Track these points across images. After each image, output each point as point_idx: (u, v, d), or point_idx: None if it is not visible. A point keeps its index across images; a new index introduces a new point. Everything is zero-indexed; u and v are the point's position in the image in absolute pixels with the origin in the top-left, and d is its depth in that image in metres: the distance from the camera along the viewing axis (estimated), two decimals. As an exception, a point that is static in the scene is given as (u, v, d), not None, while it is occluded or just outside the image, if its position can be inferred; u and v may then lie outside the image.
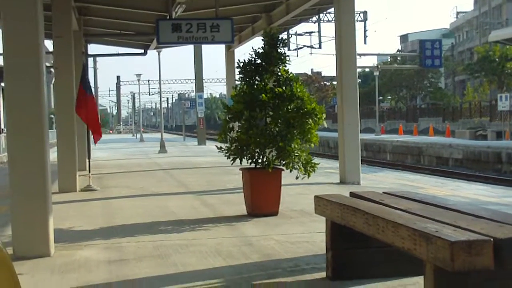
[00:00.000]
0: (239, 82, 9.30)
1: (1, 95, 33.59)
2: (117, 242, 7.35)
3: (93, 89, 14.61)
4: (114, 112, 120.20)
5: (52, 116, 34.21)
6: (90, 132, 13.47)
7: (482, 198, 10.84)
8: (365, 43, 50.47)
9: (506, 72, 47.06)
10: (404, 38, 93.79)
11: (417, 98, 70.78)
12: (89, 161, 14.16)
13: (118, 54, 29.30)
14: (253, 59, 9.20)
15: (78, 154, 13.75)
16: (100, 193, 12.66)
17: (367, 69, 67.36)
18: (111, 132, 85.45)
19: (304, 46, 48.74)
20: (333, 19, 17.36)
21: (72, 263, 6.40)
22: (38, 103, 6.65)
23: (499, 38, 25.36)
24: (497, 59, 47.14)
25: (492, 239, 3.60)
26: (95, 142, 13.58)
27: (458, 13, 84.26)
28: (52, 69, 28.14)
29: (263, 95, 8.82)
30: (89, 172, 13.64)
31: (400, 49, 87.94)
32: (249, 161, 9.03)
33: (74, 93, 13.38)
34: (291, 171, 8.88)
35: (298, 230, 7.82)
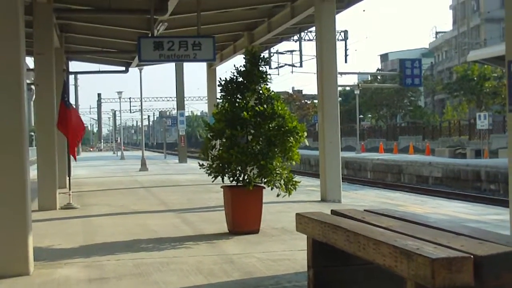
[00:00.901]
0: (221, 100, 9.32)
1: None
2: (97, 261, 7.30)
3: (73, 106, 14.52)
4: (95, 129, 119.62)
5: (32, 133, 33.99)
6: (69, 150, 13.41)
7: (462, 216, 10.91)
8: (345, 62, 50.76)
9: (484, 91, 47.59)
10: (384, 57, 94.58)
11: (397, 116, 71.24)
12: (69, 179, 14.07)
13: (99, 72, 29.25)
14: (234, 77, 9.23)
15: (58, 171, 13.65)
16: (80, 211, 12.57)
17: (348, 88, 67.73)
18: (91, 149, 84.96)
19: (286, 64, 49.07)
20: (314, 38, 17.50)
21: (52, 282, 6.34)
22: (18, 120, 6.61)
23: (477, 58, 25.64)
24: (475, 79, 47.67)
25: (472, 256, 3.63)
26: (75, 158, 13.54)
27: (437, 33, 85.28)
28: (32, 86, 28.03)
29: (244, 113, 8.84)
30: (69, 189, 13.55)
31: (380, 68, 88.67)
32: (231, 179, 9.03)
33: (55, 110, 13.32)
34: (272, 189, 8.89)
35: (279, 248, 7.81)
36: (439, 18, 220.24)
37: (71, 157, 13.71)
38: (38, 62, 13.26)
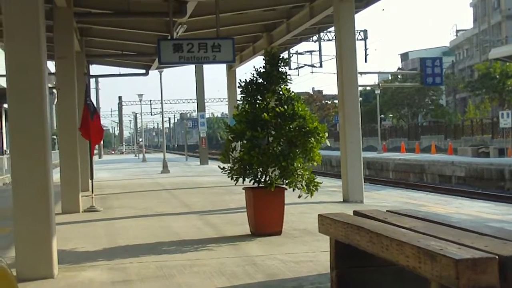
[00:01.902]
0: (241, 102, 9.32)
1: (5, 116, 33.69)
2: (120, 263, 7.33)
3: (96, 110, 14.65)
4: (117, 132, 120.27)
5: (55, 137, 34.28)
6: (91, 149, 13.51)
7: (485, 216, 10.81)
8: (365, 61, 50.71)
9: (507, 89, 47.14)
10: (404, 56, 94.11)
11: (418, 116, 70.84)
12: (92, 182, 14.16)
13: (120, 75, 29.51)
14: (254, 79, 9.23)
15: (81, 174, 13.75)
16: (103, 213, 12.64)
17: (368, 88, 67.46)
18: (113, 152, 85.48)
19: (305, 65, 48.99)
20: (334, 38, 17.45)
21: (76, 285, 6.38)
22: (41, 124, 6.66)
23: (499, 55, 25.43)
24: (497, 76, 47.23)
25: (497, 257, 3.59)
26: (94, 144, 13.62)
27: (457, 31, 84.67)
28: (54, 90, 28.28)
29: (265, 114, 8.83)
30: (92, 192, 13.63)
31: (400, 67, 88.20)
32: (252, 180, 9.02)
33: (77, 113, 13.42)
34: (293, 190, 8.87)
35: (302, 249, 7.79)
36: (460, 16, 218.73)
37: (94, 160, 13.79)
38: (60, 66, 13.37)
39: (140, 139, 62.94)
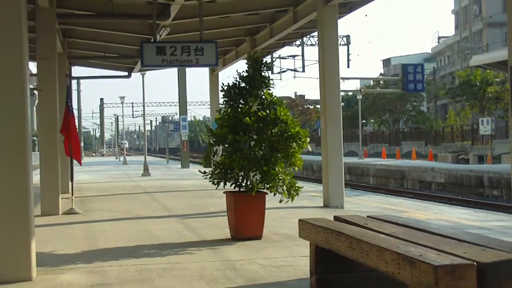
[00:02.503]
0: (223, 105, 9.32)
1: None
2: (99, 266, 7.29)
3: (75, 111, 14.69)
4: (97, 134, 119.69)
5: (35, 138, 34.02)
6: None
7: (464, 222, 10.89)
8: (348, 67, 50.85)
9: (487, 96, 47.55)
10: (386, 62, 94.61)
11: (399, 121, 71.26)
12: (72, 184, 14.07)
13: (102, 77, 29.32)
14: (237, 83, 9.23)
15: (61, 176, 13.65)
16: (83, 216, 12.57)
17: (350, 93, 67.79)
18: (94, 154, 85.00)
19: (288, 69, 49.22)
20: (317, 43, 17.50)
21: None
22: (22, 125, 6.61)
23: (480, 62, 25.60)
24: (478, 84, 47.63)
25: (475, 263, 3.63)
26: (80, 163, 13.56)
27: (439, 37, 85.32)
28: (35, 91, 28.09)
29: (247, 118, 8.84)
30: (72, 195, 13.55)
31: (382, 73, 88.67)
32: (233, 184, 9.02)
33: (58, 115, 13.33)
34: (275, 194, 8.88)
35: (282, 254, 7.80)
36: (442, 23, 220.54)
37: (75, 161, 13.70)
38: (41, 67, 13.27)
39: (124, 142, 62.60)
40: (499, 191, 24.54)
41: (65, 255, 8.14)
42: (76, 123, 13.27)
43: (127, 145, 62.92)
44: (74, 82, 36.00)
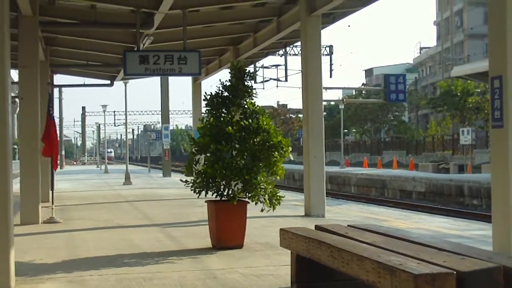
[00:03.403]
0: (206, 115, 9.32)
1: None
2: (79, 276, 7.24)
3: (57, 119, 14.63)
4: (79, 143, 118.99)
5: (16, 146, 33.76)
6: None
7: (444, 231, 10.96)
8: (330, 76, 51.25)
9: (467, 106, 47.95)
10: (369, 72, 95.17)
11: (381, 131, 71.62)
12: (52, 193, 13.96)
13: (84, 85, 29.21)
14: (220, 92, 9.24)
15: (41, 185, 13.56)
16: (63, 225, 12.48)
17: (332, 103, 67.98)
18: (75, 163, 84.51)
19: (271, 79, 49.24)
20: (300, 52, 17.57)
21: (34, 297, 6.28)
22: (2, 133, 6.56)
23: (461, 73, 25.84)
24: (459, 94, 48.04)
25: (455, 272, 3.65)
26: (55, 168, 13.48)
27: (421, 48, 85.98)
28: (17, 99, 27.89)
29: (229, 127, 8.85)
30: (52, 203, 13.44)
31: (365, 83, 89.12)
32: (215, 193, 9.01)
33: (39, 123, 13.25)
34: (256, 203, 8.88)
35: (263, 263, 7.80)
36: (424, 34, 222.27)
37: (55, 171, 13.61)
38: (23, 75, 13.18)
39: (110, 150, 62.18)
40: (479, 200, 24.71)
41: (45, 265, 8.07)
42: (58, 131, 13.19)
43: (112, 154, 62.55)
44: (56, 90, 35.81)
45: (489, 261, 3.90)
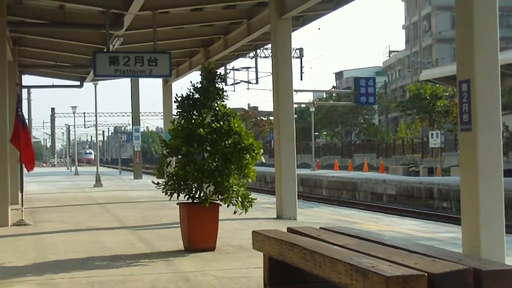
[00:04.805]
0: (177, 117, 9.30)
1: None
2: (50, 278, 7.18)
3: (27, 121, 14.48)
4: (48, 144, 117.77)
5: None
6: (23, 164, 13.22)
7: (415, 233, 11.06)
8: (301, 79, 51.22)
9: (436, 110, 48.45)
10: (339, 75, 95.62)
11: (352, 134, 72.05)
12: (21, 195, 13.80)
13: (53, 86, 28.91)
14: (191, 94, 9.23)
15: (10, 187, 13.39)
16: (33, 227, 12.34)
17: (303, 105, 68.26)
18: (45, 165, 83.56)
19: (241, 81, 49.31)
20: (270, 55, 17.61)
21: (3, 301, 6.21)
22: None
23: (429, 77, 26.18)
24: (428, 97, 48.51)
25: (426, 274, 3.70)
26: (28, 169, 13.32)
27: (390, 52, 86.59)
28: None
29: (201, 130, 8.83)
30: (22, 206, 13.29)
31: (335, 85, 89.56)
32: (186, 196, 8.99)
33: (8, 125, 13.09)
34: (228, 206, 8.88)
35: (235, 266, 7.80)
36: (393, 38, 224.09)
37: (24, 172, 13.45)
38: (-10, 75, 13.02)
39: (89, 151, 61.10)
40: (449, 203, 24.99)
41: (15, 268, 7.98)
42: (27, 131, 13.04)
43: (92, 156, 61.67)
44: (24, 91, 35.41)
45: (459, 263, 3.95)
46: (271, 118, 62.80)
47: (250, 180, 9.03)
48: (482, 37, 7.25)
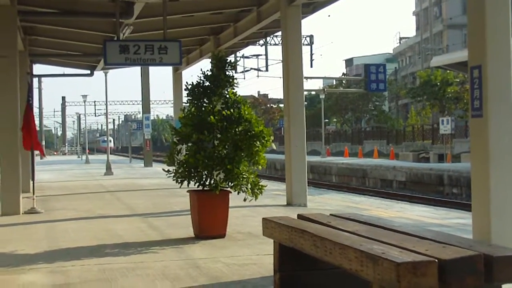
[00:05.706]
0: (187, 104, 9.31)
1: None
2: (62, 266, 7.23)
3: (36, 109, 14.54)
4: (59, 133, 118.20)
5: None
6: (34, 152, 13.28)
7: (425, 220, 11.05)
8: (311, 66, 51.23)
9: (447, 96, 48.22)
10: (349, 62, 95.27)
11: (362, 121, 71.86)
12: (33, 183, 13.89)
13: (64, 75, 29.06)
14: (201, 82, 9.23)
15: (22, 175, 13.47)
16: (45, 215, 12.42)
17: (313, 92, 68.23)
18: (55, 153, 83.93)
19: (252, 68, 49.24)
20: (280, 42, 17.58)
21: (16, 288, 6.26)
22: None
23: (440, 63, 26.00)
24: (438, 84, 48.26)
25: (436, 260, 3.70)
26: (42, 156, 13.43)
27: (401, 38, 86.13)
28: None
29: (211, 117, 8.84)
30: (33, 194, 13.37)
31: (345, 72, 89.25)
32: (197, 183, 9.02)
33: (19, 113, 13.16)
34: (238, 193, 8.90)
35: (245, 252, 7.82)
36: (403, 24, 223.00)
37: (36, 160, 13.52)
38: (1, 65, 13.07)
39: (108, 139, 60.95)
40: (459, 189, 24.93)
41: (27, 255, 8.04)
42: (37, 121, 13.11)
43: (112, 144, 61.45)
44: (35, 80, 35.53)
45: (470, 249, 3.95)
46: (281, 105, 62.69)
47: (260, 167, 9.04)
48: (494, 22, 7.19)
